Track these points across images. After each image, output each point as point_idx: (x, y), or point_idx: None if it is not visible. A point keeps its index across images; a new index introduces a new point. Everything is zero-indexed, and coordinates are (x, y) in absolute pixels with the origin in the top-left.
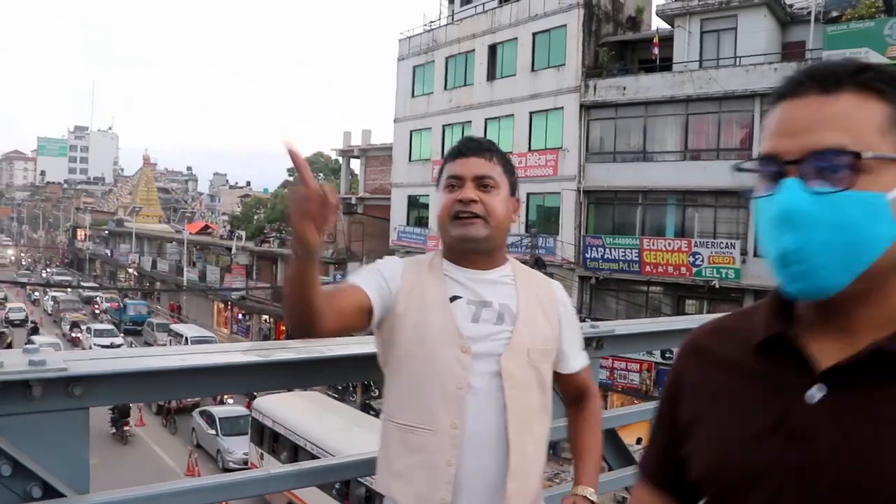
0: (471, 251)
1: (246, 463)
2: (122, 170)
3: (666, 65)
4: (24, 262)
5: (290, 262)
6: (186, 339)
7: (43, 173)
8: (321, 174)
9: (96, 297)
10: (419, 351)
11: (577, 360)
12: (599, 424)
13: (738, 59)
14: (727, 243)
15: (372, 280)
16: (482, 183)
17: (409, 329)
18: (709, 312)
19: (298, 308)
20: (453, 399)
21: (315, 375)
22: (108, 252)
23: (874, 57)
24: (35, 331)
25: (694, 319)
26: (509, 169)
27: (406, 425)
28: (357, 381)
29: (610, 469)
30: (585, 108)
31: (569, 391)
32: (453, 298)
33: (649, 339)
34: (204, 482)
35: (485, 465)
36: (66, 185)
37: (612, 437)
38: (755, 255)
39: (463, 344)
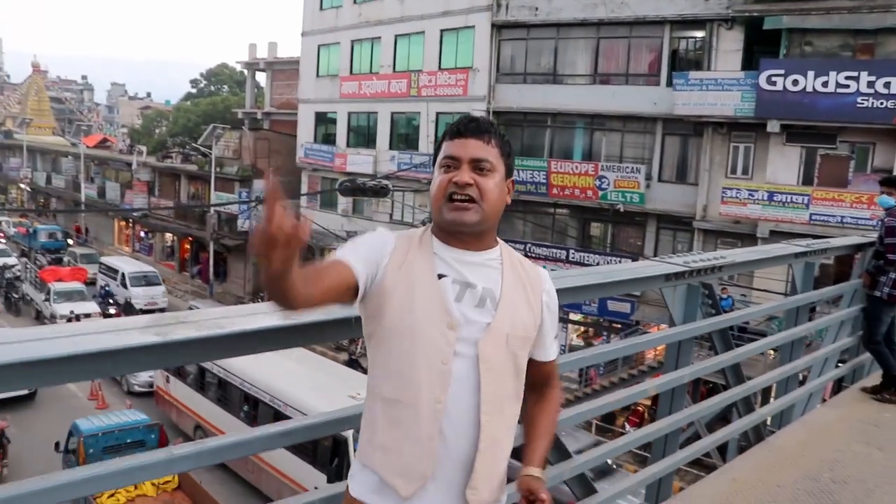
0: (461, 232)
1: (151, 385)
2: (8, 77)
3: None
4: None
5: (260, 272)
6: (123, 275)
7: None
8: (226, 87)
9: (0, 222)
10: (406, 326)
11: (551, 349)
12: (557, 412)
13: None
14: (633, 168)
15: (360, 256)
16: (478, 166)
17: (397, 304)
18: (613, 236)
19: (276, 296)
20: (438, 374)
21: (217, 351)
22: None
23: None
24: None
25: (599, 272)
26: (506, 151)
27: (391, 398)
28: (263, 352)
29: (550, 464)
30: (497, 27)
31: (535, 377)
32: (440, 276)
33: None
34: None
35: (458, 444)
36: None
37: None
38: (660, 180)
39: (450, 321)
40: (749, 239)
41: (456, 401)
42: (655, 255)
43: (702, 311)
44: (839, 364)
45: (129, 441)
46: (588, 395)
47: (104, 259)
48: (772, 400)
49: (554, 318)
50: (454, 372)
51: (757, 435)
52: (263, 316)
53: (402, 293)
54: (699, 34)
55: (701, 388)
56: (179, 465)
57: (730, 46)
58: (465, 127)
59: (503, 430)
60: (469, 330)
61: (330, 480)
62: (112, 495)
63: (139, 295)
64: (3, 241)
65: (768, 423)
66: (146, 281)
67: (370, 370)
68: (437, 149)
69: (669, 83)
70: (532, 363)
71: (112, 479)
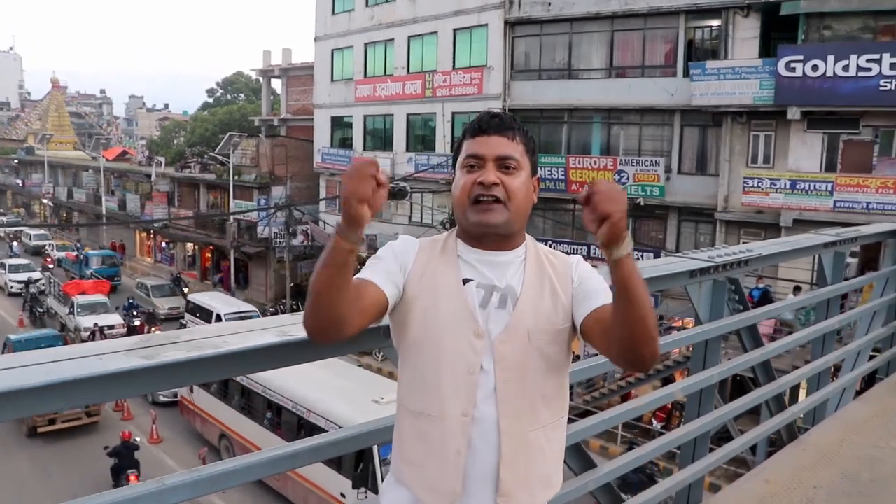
0: (488, 234)
1: (176, 395)
2: (29, 94)
3: None
4: None
5: (328, 250)
6: (219, 316)
7: None
8: (242, 95)
9: (45, 246)
10: (431, 335)
11: (602, 296)
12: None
13: None
14: (652, 161)
15: (385, 271)
16: (504, 164)
17: (421, 313)
18: (634, 230)
19: (325, 316)
20: (464, 385)
21: (209, 372)
22: (20, 182)
23: None
24: None
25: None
26: (531, 147)
27: (417, 411)
28: (257, 372)
29: (576, 475)
30: (510, 24)
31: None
32: (465, 281)
33: None
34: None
35: (486, 455)
36: None
37: (576, 448)
38: (679, 172)
39: (477, 328)
40: (772, 229)
41: (484, 410)
42: (678, 249)
43: (729, 307)
44: (872, 355)
45: (42, 346)
46: (605, 395)
47: (193, 297)
48: (803, 395)
49: (594, 282)
50: (481, 381)
51: (789, 433)
52: (259, 333)
53: (426, 303)
54: (715, 23)
55: (728, 380)
56: (170, 497)
57: (746, 34)
58: (487, 124)
59: (538, 433)
60: (491, 332)
61: (355, 486)
62: None
63: None
64: (51, 266)
65: (801, 420)
66: (248, 321)
67: (399, 382)
68: (458, 148)
69: (686, 74)
70: (598, 310)
71: None
